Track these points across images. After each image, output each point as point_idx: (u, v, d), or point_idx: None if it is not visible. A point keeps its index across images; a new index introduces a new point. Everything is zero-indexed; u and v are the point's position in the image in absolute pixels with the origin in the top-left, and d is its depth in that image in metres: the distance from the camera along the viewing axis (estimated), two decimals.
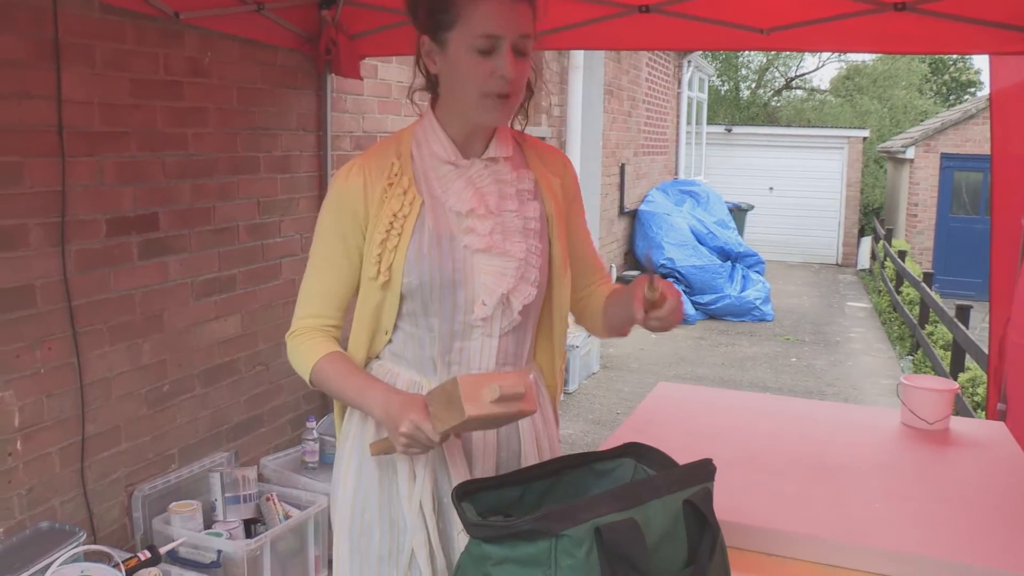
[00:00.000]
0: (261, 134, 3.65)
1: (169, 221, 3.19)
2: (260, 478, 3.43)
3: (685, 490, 1.30)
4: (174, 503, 3.07)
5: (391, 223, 1.54)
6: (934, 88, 25.78)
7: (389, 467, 1.62)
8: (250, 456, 3.70)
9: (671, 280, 9.76)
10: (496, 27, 1.47)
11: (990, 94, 3.50)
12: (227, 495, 3.20)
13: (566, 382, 6.56)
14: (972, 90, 25.82)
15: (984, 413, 3.41)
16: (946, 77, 26.37)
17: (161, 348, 3.21)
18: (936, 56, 24.08)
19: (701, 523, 1.32)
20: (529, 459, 1.67)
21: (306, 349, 1.62)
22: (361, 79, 4.03)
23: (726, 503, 1.80)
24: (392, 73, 4.58)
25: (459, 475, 1.56)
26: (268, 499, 3.24)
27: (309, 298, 1.65)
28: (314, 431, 3.64)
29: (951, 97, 25.91)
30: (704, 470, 1.34)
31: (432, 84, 1.61)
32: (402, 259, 1.54)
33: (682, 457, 1.44)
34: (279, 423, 3.94)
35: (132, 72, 2.99)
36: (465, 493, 1.35)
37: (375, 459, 1.62)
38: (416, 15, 1.56)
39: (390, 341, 1.63)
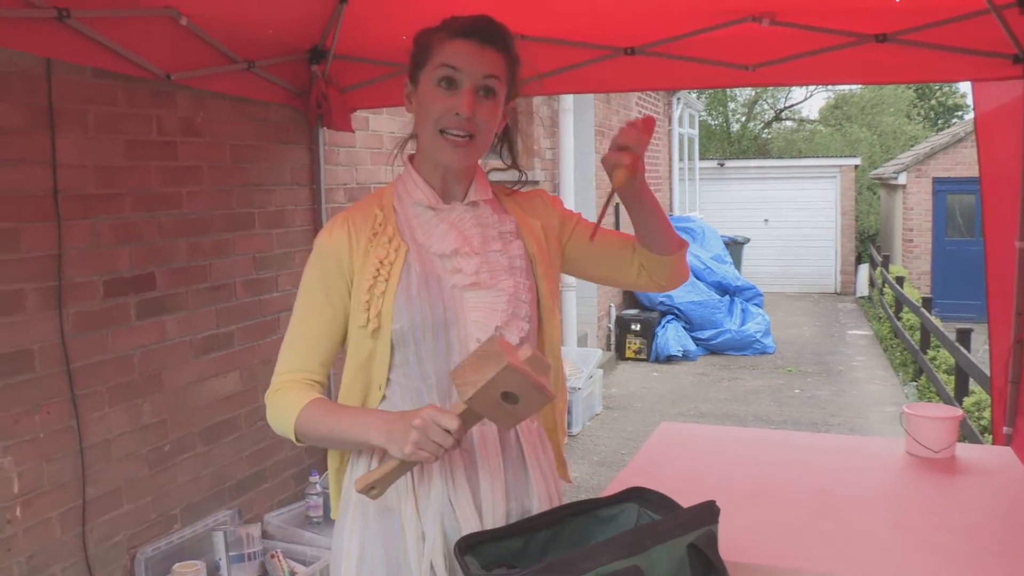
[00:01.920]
0: (255, 190, 3.67)
1: (166, 280, 3.20)
2: (264, 535, 3.40)
3: (689, 534, 1.29)
4: (177, 564, 3.04)
5: (378, 270, 1.53)
6: (922, 113, 25.99)
7: (395, 531, 1.54)
8: (254, 513, 3.67)
9: (671, 316, 9.76)
10: (458, 61, 1.52)
11: (975, 119, 3.53)
12: (231, 554, 3.17)
13: (569, 424, 6.53)
14: (959, 114, 26.02)
15: (991, 437, 3.38)
16: (933, 102, 26.59)
17: (161, 407, 3.20)
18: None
19: (707, 567, 1.31)
20: (537, 505, 1.61)
21: (288, 400, 1.55)
22: (353, 131, 4.07)
23: (733, 542, 1.78)
24: (383, 124, 4.62)
25: (470, 527, 1.49)
26: (273, 556, 3.21)
27: (291, 352, 1.61)
28: (317, 484, 3.62)
29: (939, 121, 26.10)
30: (708, 512, 1.33)
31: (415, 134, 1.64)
32: (391, 304, 1.52)
33: (687, 498, 1.43)
34: (282, 478, 3.92)
35: (125, 134, 3.02)
36: (468, 546, 1.34)
37: (380, 524, 1.54)
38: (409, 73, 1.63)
39: (384, 398, 1.58)
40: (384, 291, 1.53)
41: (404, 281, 1.54)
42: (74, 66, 2.79)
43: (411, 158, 1.67)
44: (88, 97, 2.87)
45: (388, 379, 1.58)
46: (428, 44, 1.57)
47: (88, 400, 2.87)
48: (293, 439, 1.56)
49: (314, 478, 3.63)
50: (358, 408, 1.57)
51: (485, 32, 1.55)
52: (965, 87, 26.35)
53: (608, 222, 9.79)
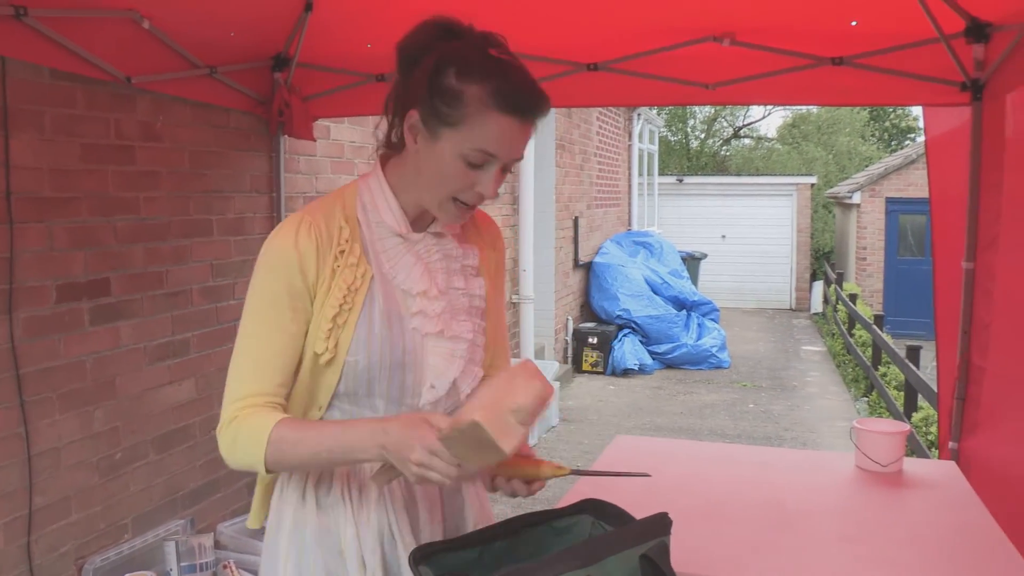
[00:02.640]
0: (214, 197, 3.64)
1: (121, 286, 3.16)
2: (217, 545, 3.36)
3: (642, 545, 1.31)
4: (128, 575, 2.99)
5: (344, 297, 1.43)
6: (876, 134, 26.54)
7: (335, 555, 1.47)
8: (207, 523, 3.63)
9: (628, 329, 9.84)
10: (497, 148, 1.37)
11: (925, 142, 3.62)
12: (183, 564, 3.12)
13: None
14: (912, 136, 26.61)
15: (938, 452, 3.46)
16: (887, 124, 27.17)
17: (113, 415, 3.15)
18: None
19: None
20: (471, 516, 1.60)
21: (251, 427, 1.39)
22: (314, 140, 4.05)
23: (685, 555, 1.81)
24: (345, 133, 4.62)
25: (408, 547, 1.45)
26: (225, 566, 3.17)
27: (247, 374, 1.43)
28: None
29: (893, 143, 26.65)
30: (660, 524, 1.35)
31: (396, 145, 1.50)
32: (350, 335, 1.43)
33: (641, 510, 1.45)
34: (236, 487, 3.87)
35: (83, 137, 2.98)
36: (423, 556, 1.34)
37: (318, 550, 1.47)
38: (413, 85, 1.40)
39: (322, 417, 1.49)
40: (346, 321, 1.43)
41: (366, 313, 1.44)
42: (31, 66, 2.75)
43: (384, 162, 1.53)
44: (45, 98, 2.83)
45: (331, 403, 1.49)
46: (460, 98, 1.35)
47: (38, 406, 2.82)
48: (262, 470, 1.39)
49: None
50: (337, 423, 1.44)
51: (531, 109, 1.39)
52: (918, 110, 26.95)
53: (567, 236, 9.79)
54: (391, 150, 1.52)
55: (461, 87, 1.35)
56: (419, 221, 1.52)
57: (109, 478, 3.13)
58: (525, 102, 1.38)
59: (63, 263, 2.91)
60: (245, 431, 1.39)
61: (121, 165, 3.15)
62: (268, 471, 1.40)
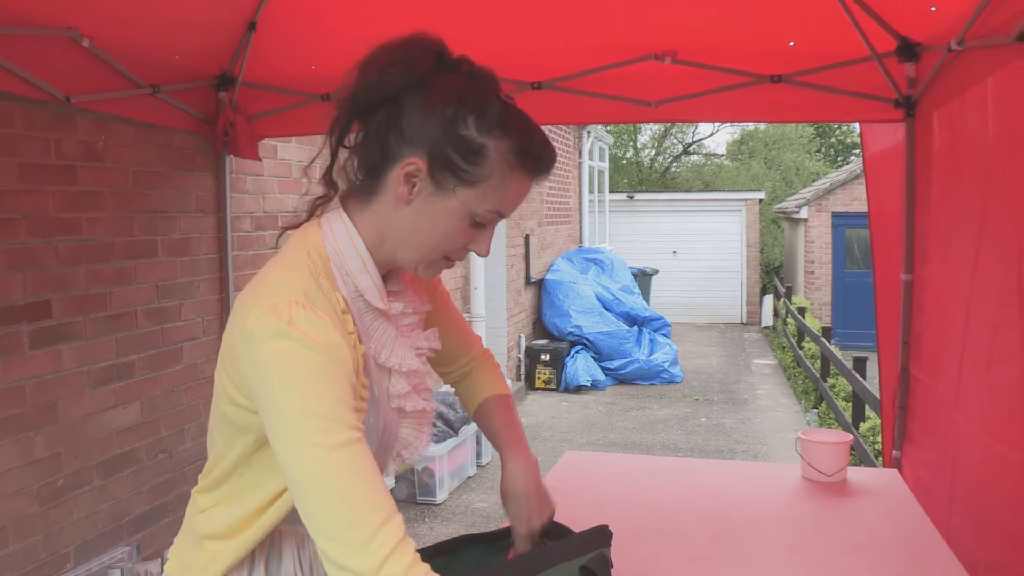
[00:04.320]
0: (159, 217, 3.60)
1: (63, 308, 3.10)
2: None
3: (581, 557, 1.32)
4: None
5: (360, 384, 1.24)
6: (822, 150, 27.09)
7: None
8: (154, 549, 3.55)
9: (580, 346, 9.88)
10: (511, 209, 1.27)
11: (864, 159, 3.71)
12: None
13: (479, 454, 6.53)
14: (856, 151, 27.19)
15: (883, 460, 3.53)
16: (832, 140, 27.76)
17: (55, 440, 3.08)
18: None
19: None
20: None
21: None
22: (260, 160, 4.03)
23: (635, 569, 1.82)
24: (292, 153, 4.59)
25: None
26: None
27: (373, 495, 1.09)
28: None
29: (838, 158, 27.23)
30: (600, 536, 1.36)
31: (367, 187, 1.27)
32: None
33: (591, 525, 1.46)
34: (184, 512, 3.80)
35: (21, 156, 2.93)
36: None
37: None
38: (413, 127, 1.21)
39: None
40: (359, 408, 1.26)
41: (371, 398, 1.29)
42: None
43: (348, 208, 1.29)
44: None
45: None
46: (483, 153, 1.20)
47: None
48: None
49: None
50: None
51: (548, 169, 1.29)
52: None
53: (518, 253, 9.79)
54: (352, 191, 1.30)
55: (484, 141, 1.20)
56: (386, 279, 1.34)
57: (50, 505, 3.06)
58: (545, 162, 1.27)
59: (1, 286, 2.85)
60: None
61: (62, 185, 3.10)
62: None
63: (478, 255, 1.30)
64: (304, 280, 1.20)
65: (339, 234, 1.27)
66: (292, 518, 1.21)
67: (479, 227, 1.26)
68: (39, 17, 2.60)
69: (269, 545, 1.32)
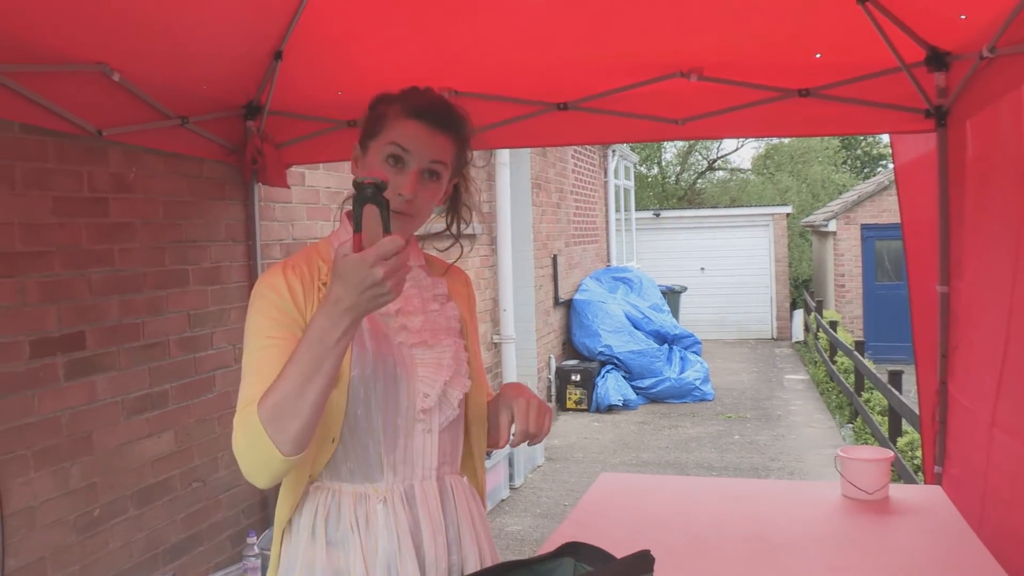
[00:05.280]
0: (189, 246, 3.63)
1: (96, 339, 3.13)
2: None
3: None
4: None
5: None
6: (848, 163, 26.89)
7: None
8: None
9: (610, 365, 9.82)
10: (408, 143, 1.56)
11: (895, 169, 3.67)
12: None
13: (512, 477, 6.49)
14: (883, 163, 26.99)
15: (924, 476, 3.46)
16: (859, 152, 27.56)
17: (91, 470, 3.10)
18: None
19: None
20: (475, 559, 1.65)
21: (245, 412, 1.41)
22: (288, 187, 4.05)
23: None
24: (320, 179, 4.62)
25: None
26: None
27: (251, 383, 1.45)
28: (255, 546, 3.53)
29: (865, 170, 27.02)
30: (643, 562, 1.34)
31: None
32: (349, 352, 1.51)
33: (626, 548, 1.44)
34: (218, 540, 3.81)
35: (54, 190, 2.97)
36: None
37: None
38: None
39: (335, 451, 1.56)
40: None
41: (358, 334, 1.55)
42: (1, 121, 2.74)
43: (348, 215, 1.67)
44: (15, 153, 2.82)
45: (340, 432, 1.55)
46: (383, 116, 1.59)
47: (11, 465, 2.77)
48: (269, 445, 1.37)
49: (251, 539, 3.54)
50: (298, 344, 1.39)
51: (439, 117, 1.59)
52: (887, 138, 27.36)
53: (546, 274, 9.81)
54: None
55: (382, 109, 1.60)
56: None
57: (87, 535, 3.07)
58: (432, 108, 1.59)
59: (36, 318, 2.88)
60: (241, 422, 1.42)
61: (94, 218, 3.14)
62: (277, 447, 1.37)
63: (403, 194, 1.54)
64: (296, 257, 1.62)
65: (340, 232, 1.69)
66: (348, 478, 1.57)
67: (396, 168, 1.56)
68: (71, 53, 2.64)
69: (329, 500, 1.57)
